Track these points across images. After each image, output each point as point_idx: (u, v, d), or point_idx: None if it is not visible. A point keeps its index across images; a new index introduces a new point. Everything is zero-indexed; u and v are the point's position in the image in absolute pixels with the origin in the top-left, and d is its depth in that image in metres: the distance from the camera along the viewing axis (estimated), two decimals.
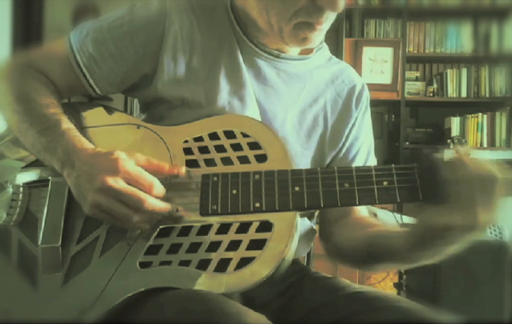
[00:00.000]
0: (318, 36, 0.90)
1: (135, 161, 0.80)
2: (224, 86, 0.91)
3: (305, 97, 0.97)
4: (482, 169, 0.72)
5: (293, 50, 0.98)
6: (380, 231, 0.87)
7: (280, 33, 0.89)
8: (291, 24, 0.87)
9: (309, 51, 1.00)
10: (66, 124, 0.86)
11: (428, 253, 0.77)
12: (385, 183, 0.77)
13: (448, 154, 0.76)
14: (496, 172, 0.72)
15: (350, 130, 1.00)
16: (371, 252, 0.87)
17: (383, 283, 2.84)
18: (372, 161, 1.03)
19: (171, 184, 0.82)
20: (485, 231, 0.76)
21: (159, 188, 0.78)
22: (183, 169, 0.82)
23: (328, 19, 0.88)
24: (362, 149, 1.01)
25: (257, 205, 0.78)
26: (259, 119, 0.91)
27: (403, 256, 0.80)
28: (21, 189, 0.87)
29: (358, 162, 1.00)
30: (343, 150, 1.00)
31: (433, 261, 0.80)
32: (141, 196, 0.76)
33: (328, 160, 0.99)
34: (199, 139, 0.86)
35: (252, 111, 0.92)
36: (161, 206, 0.77)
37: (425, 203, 0.75)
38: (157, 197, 0.77)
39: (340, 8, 0.84)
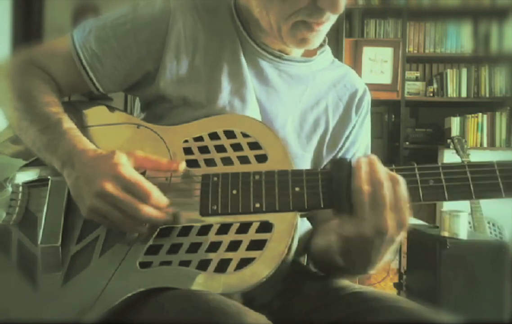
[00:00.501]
0: (317, 37, 0.90)
1: (134, 158, 0.80)
2: (225, 85, 0.91)
3: (306, 99, 0.97)
4: (377, 174, 0.73)
5: (296, 52, 0.97)
6: (331, 241, 0.87)
7: (279, 32, 0.89)
8: (290, 23, 0.86)
9: (312, 53, 1.00)
10: (68, 123, 0.86)
11: (358, 262, 0.78)
12: None
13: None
14: (395, 175, 0.73)
15: (349, 134, 1.00)
16: (323, 261, 0.90)
17: (383, 283, 2.84)
18: None
19: (171, 184, 0.82)
20: (398, 234, 0.75)
21: (156, 197, 0.77)
22: (181, 165, 0.82)
23: (329, 21, 0.88)
24: (358, 153, 1.01)
25: (257, 205, 0.78)
26: (260, 119, 0.91)
27: (342, 267, 0.82)
28: (20, 188, 0.87)
29: None
30: (340, 154, 1.00)
31: (372, 269, 0.80)
32: (137, 205, 0.75)
33: (325, 162, 0.99)
34: (199, 139, 0.85)
35: (253, 111, 0.92)
36: (157, 215, 0.77)
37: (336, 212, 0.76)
38: (153, 205, 0.77)
39: (341, 9, 0.83)
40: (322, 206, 0.78)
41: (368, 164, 0.74)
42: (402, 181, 0.73)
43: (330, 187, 0.77)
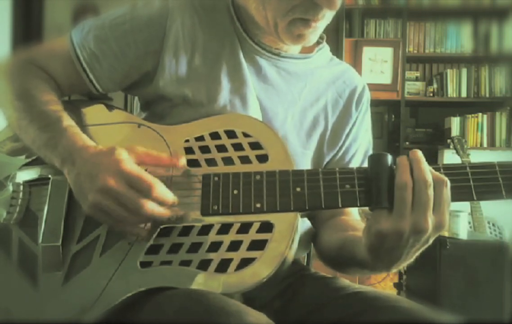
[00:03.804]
0: (314, 33, 0.90)
1: (134, 154, 0.80)
2: (225, 84, 0.91)
3: (306, 96, 0.97)
4: (425, 173, 0.71)
5: (294, 49, 0.98)
6: (349, 236, 0.86)
7: (275, 28, 0.89)
8: (287, 19, 0.86)
9: (310, 51, 1.00)
10: (67, 121, 0.86)
11: (386, 259, 0.75)
12: None
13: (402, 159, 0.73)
14: (442, 177, 0.71)
15: (350, 131, 1.00)
16: (340, 256, 0.88)
17: (383, 283, 2.84)
18: None
19: (173, 184, 0.82)
20: (435, 236, 0.73)
21: (159, 190, 0.76)
22: (182, 160, 0.81)
23: (325, 18, 0.88)
24: (359, 150, 1.01)
25: (258, 205, 0.78)
26: (260, 118, 0.91)
27: (365, 263, 0.79)
28: (21, 187, 0.87)
29: (355, 163, 1.00)
30: (341, 151, 1.00)
31: (398, 267, 0.78)
32: (140, 200, 0.75)
33: (326, 160, 0.99)
34: (200, 138, 0.85)
35: (253, 110, 0.92)
36: (160, 211, 0.76)
37: (376, 208, 0.73)
38: (156, 199, 0.76)
39: (337, 6, 0.83)
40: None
41: (414, 161, 0.72)
42: (448, 184, 0.71)
43: (367, 183, 0.75)
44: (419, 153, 0.73)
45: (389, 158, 0.74)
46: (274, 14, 0.87)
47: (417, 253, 0.75)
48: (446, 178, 0.71)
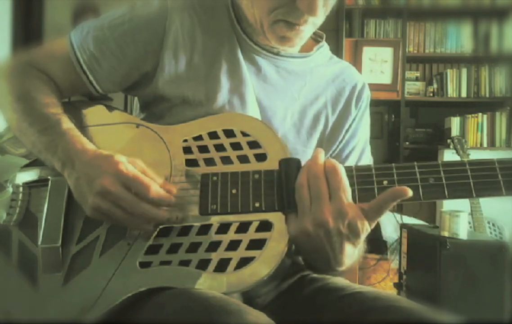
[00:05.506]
0: (298, 37, 0.90)
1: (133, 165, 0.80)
2: (224, 83, 0.91)
3: (306, 95, 0.97)
4: (315, 167, 0.73)
5: (293, 49, 0.98)
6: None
7: (261, 27, 0.89)
8: (271, 19, 0.87)
9: (309, 49, 1.00)
10: (67, 124, 0.86)
11: (319, 259, 0.76)
12: (385, 182, 0.76)
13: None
14: (334, 164, 0.73)
15: (348, 128, 1.00)
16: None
17: (383, 283, 2.84)
18: (366, 160, 1.02)
19: (171, 183, 0.82)
20: (343, 225, 0.73)
21: (155, 190, 0.76)
22: (174, 189, 0.81)
23: (310, 23, 0.88)
24: (356, 148, 1.01)
25: (257, 204, 0.78)
26: (259, 116, 0.91)
27: (309, 266, 0.81)
28: (21, 189, 0.87)
29: (350, 161, 1.00)
30: (338, 148, 1.00)
31: (345, 265, 0.78)
32: (136, 202, 0.75)
33: (326, 156, 0.99)
34: (198, 138, 0.85)
35: (252, 109, 0.92)
36: (156, 213, 0.77)
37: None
38: (153, 200, 0.76)
39: (317, 13, 0.83)
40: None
41: (311, 158, 0.74)
42: (339, 170, 0.73)
43: (276, 188, 0.77)
44: (319, 149, 0.76)
45: (298, 163, 0.77)
46: (260, 12, 0.87)
47: (355, 247, 0.76)
48: (339, 164, 0.73)
